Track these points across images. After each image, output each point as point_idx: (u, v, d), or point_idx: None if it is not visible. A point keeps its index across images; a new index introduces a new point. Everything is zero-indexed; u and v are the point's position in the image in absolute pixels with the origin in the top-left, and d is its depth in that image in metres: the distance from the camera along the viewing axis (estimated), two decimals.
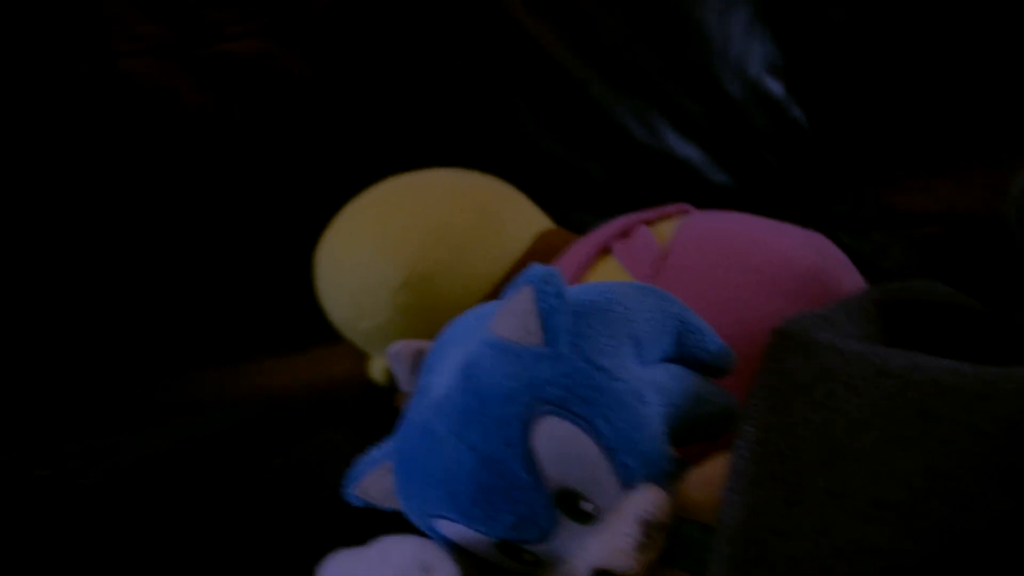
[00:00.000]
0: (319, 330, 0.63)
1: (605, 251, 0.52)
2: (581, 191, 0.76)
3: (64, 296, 0.71)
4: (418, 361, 0.37)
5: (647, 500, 0.33)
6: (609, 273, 0.51)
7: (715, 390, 0.38)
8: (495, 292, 0.54)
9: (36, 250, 0.71)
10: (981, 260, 0.71)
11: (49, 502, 0.46)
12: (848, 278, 0.47)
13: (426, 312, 0.55)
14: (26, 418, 0.61)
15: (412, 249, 0.56)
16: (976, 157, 0.81)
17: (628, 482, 0.33)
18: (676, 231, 0.50)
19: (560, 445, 0.32)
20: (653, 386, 0.35)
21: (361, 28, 0.74)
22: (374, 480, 0.37)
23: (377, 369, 0.62)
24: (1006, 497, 0.28)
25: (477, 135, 0.74)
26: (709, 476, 0.36)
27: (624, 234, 0.52)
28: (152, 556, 0.41)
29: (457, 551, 0.35)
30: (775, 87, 0.80)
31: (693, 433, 0.37)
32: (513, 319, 0.34)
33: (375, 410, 0.38)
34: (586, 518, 0.33)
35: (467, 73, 0.74)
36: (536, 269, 0.34)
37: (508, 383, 0.33)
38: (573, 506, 0.33)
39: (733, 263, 0.46)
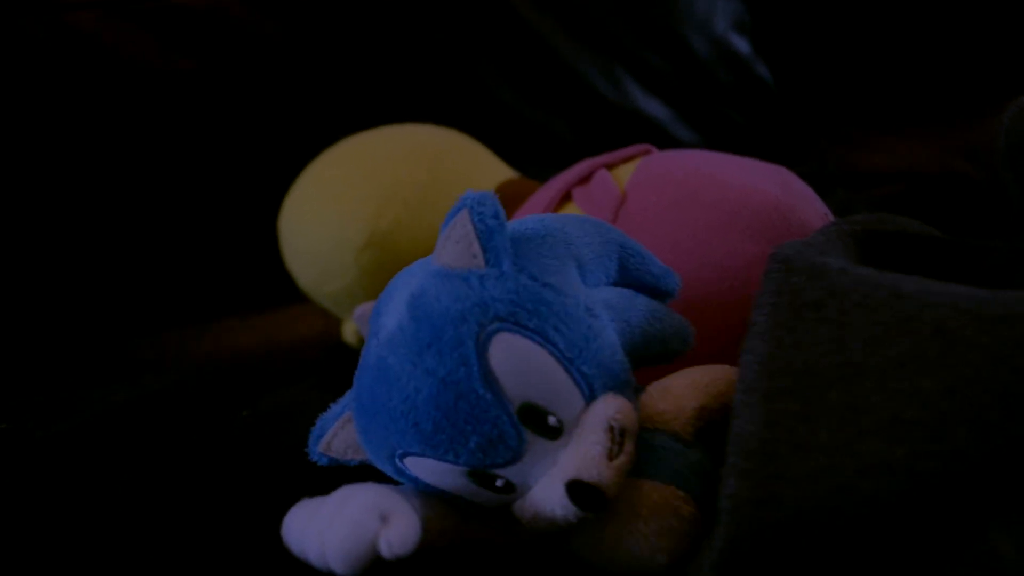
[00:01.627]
0: (288, 290, 0.63)
1: (567, 197, 0.51)
2: (546, 147, 0.76)
3: (28, 257, 0.69)
4: None
5: (612, 407, 0.33)
6: None
7: (665, 310, 0.38)
8: None
9: None
10: (941, 217, 0.72)
11: (3, 455, 0.45)
12: (813, 212, 0.46)
13: (391, 270, 0.55)
14: None
15: (371, 209, 0.56)
16: (935, 117, 0.82)
17: (590, 393, 0.33)
18: (634, 173, 0.49)
19: (516, 359, 0.32)
20: (601, 303, 0.35)
21: None
22: (336, 433, 0.37)
23: (350, 332, 0.61)
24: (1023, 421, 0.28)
25: (440, 92, 0.73)
26: (670, 387, 0.36)
27: (585, 179, 0.51)
28: (108, 509, 0.40)
29: (428, 498, 0.34)
30: (741, 45, 0.79)
31: (648, 353, 0.37)
32: (453, 245, 0.34)
33: (345, 366, 0.38)
34: (553, 433, 0.32)
35: (429, 29, 0.73)
36: (470, 193, 0.34)
37: (457, 305, 0.33)
38: (539, 422, 0.32)
39: (690, 201, 0.46)
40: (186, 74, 0.70)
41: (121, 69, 0.70)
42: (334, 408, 0.38)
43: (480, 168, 0.59)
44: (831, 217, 0.47)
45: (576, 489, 0.31)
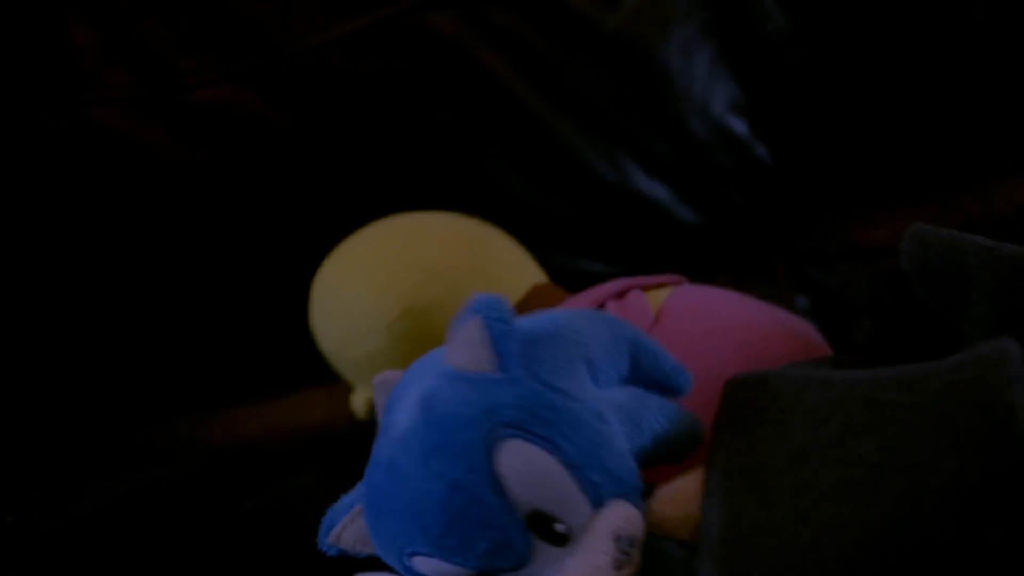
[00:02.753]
0: (294, 376, 0.64)
1: (600, 308, 0.53)
2: (550, 231, 0.77)
3: (39, 346, 0.71)
4: None
5: (619, 515, 0.33)
6: None
7: (676, 409, 0.39)
8: None
9: (8, 299, 0.70)
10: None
11: (6, 549, 0.45)
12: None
13: (419, 344, 0.56)
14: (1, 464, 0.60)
15: (411, 284, 0.57)
16: (935, 190, 0.83)
17: (598, 500, 0.33)
18: (669, 298, 0.52)
19: (525, 466, 0.33)
20: (612, 405, 0.36)
21: (328, 75, 0.75)
22: (346, 526, 0.37)
23: (359, 401, 0.62)
24: (953, 456, 0.31)
25: (446, 178, 0.75)
26: (679, 492, 0.36)
27: (619, 295, 0.54)
28: None
29: None
30: (739, 126, 0.81)
31: (659, 454, 0.37)
32: (464, 348, 0.35)
33: (351, 454, 0.38)
34: (561, 540, 0.33)
35: (434, 117, 0.75)
36: (482, 297, 0.35)
37: (467, 410, 0.33)
38: (546, 528, 0.33)
39: (722, 335, 0.49)
40: (200, 167, 0.72)
41: (137, 162, 0.72)
42: (345, 499, 0.38)
43: (518, 266, 0.61)
44: None
45: None
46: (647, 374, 0.39)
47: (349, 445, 0.60)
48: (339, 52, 0.74)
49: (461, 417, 0.33)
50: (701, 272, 0.64)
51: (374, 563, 0.37)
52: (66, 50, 0.73)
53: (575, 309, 0.41)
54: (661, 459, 0.38)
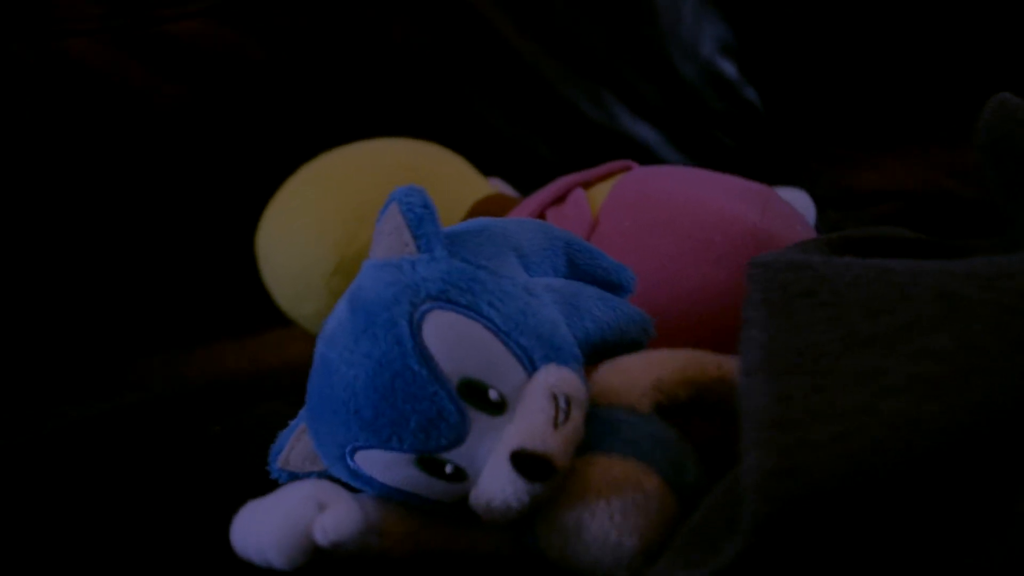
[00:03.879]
0: (274, 312, 0.63)
1: (540, 219, 0.50)
2: (534, 171, 0.76)
3: (15, 282, 0.70)
4: None
5: (552, 375, 0.32)
6: None
7: (619, 300, 0.38)
8: None
9: None
10: (930, 234, 0.72)
11: None
12: (793, 237, 0.46)
13: None
14: None
15: (339, 234, 0.56)
16: (926, 136, 0.82)
17: (531, 365, 0.33)
18: (609, 194, 0.48)
19: (450, 335, 0.32)
20: (543, 286, 0.35)
21: (302, 8, 0.73)
22: (293, 446, 0.37)
23: None
24: None
25: (427, 114, 0.74)
26: (623, 363, 0.35)
27: (560, 199, 0.50)
28: (65, 518, 0.40)
29: (386, 504, 0.34)
30: (728, 68, 0.80)
31: (605, 343, 0.36)
32: (385, 238, 0.35)
33: None
34: (496, 408, 0.32)
35: (413, 51, 0.74)
36: (398, 188, 0.35)
37: (389, 290, 0.33)
38: (480, 396, 0.32)
39: (663, 228, 0.45)
40: (174, 98, 0.71)
41: (110, 94, 0.71)
42: (292, 423, 0.37)
43: (455, 185, 0.59)
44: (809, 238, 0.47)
45: (521, 460, 0.30)
46: (586, 271, 0.38)
47: None
48: None
49: (383, 297, 0.33)
50: None
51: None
52: None
53: (506, 218, 0.39)
54: (609, 350, 0.37)
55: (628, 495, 0.31)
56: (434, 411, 0.31)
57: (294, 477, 0.37)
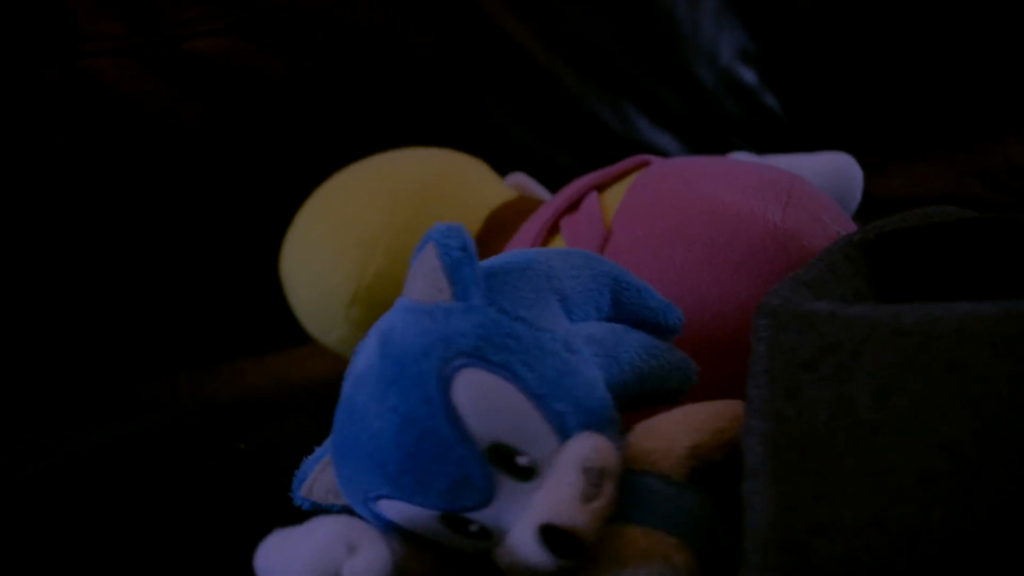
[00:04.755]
0: (299, 330, 0.63)
1: (555, 228, 0.48)
2: (554, 181, 0.76)
3: (41, 301, 0.70)
4: None
5: (587, 445, 0.31)
6: None
7: (663, 346, 0.36)
8: None
9: (5, 252, 0.70)
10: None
11: None
12: (818, 234, 0.43)
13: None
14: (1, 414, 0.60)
15: (353, 263, 0.55)
16: (951, 141, 0.81)
17: (564, 431, 0.31)
18: (624, 198, 0.46)
19: (482, 396, 0.31)
20: (585, 338, 0.34)
21: (324, 23, 0.74)
22: (317, 477, 0.36)
23: None
24: None
25: (445, 126, 0.74)
26: (659, 424, 0.34)
27: (574, 205, 0.48)
28: (85, 543, 0.40)
29: (408, 540, 0.33)
30: (747, 75, 0.80)
31: (644, 393, 0.35)
32: (420, 280, 0.33)
33: None
34: (526, 474, 0.31)
35: (434, 65, 0.74)
36: (438, 226, 0.33)
37: (421, 340, 0.32)
38: (508, 462, 0.31)
39: (679, 236, 0.42)
40: (197, 116, 0.71)
41: (132, 112, 0.71)
42: (317, 451, 0.37)
43: (470, 195, 0.58)
44: (837, 231, 0.44)
45: (549, 534, 0.30)
46: (632, 312, 0.36)
47: None
48: (336, 1, 0.73)
49: (415, 348, 0.31)
50: None
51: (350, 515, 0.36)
52: (60, 1, 0.72)
53: (552, 248, 0.37)
54: (648, 400, 0.35)
55: (654, 569, 0.30)
56: (460, 474, 0.30)
57: (316, 506, 0.36)
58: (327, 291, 0.56)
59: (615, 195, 0.47)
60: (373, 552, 0.31)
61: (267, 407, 0.62)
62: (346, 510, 0.35)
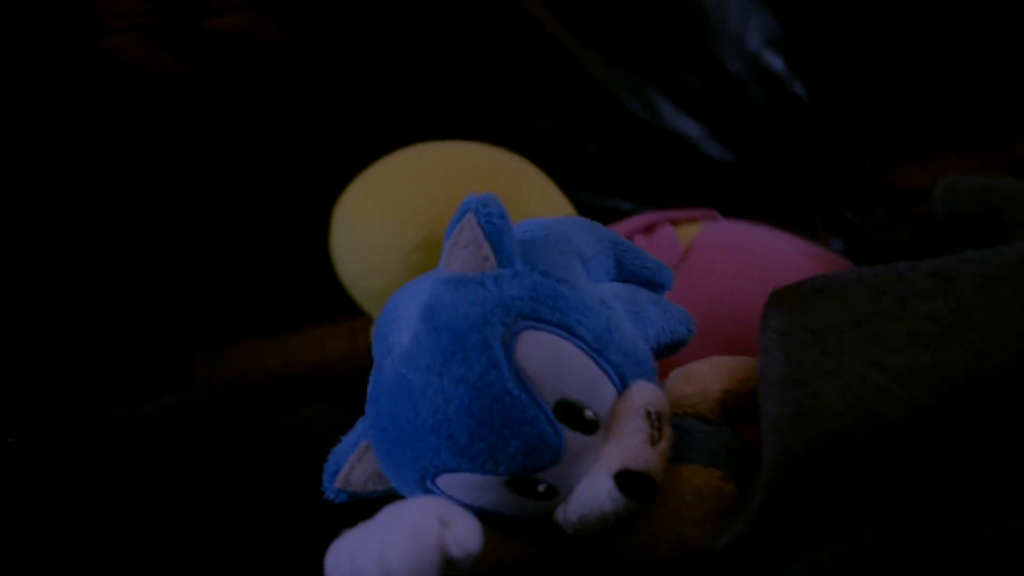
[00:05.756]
0: (314, 309, 0.63)
1: None
2: (579, 168, 0.75)
3: (59, 278, 0.70)
4: None
5: (645, 393, 0.33)
6: None
7: (666, 301, 0.38)
8: None
9: (23, 231, 0.69)
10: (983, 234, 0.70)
11: (5, 468, 0.44)
12: None
13: None
14: (16, 395, 0.60)
15: (432, 212, 0.56)
16: (976, 132, 0.80)
17: (620, 382, 0.33)
18: (699, 233, 0.51)
19: (547, 356, 0.32)
20: (611, 295, 0.36)
21: (346, 6, 0.73)
22: (354, 466, 0.36)
23: None
24: None
25: (471, 112, 0.74)
26: (694, 371, 0.36)
27: (648, 229, 0.53)
28: (102, 524, 0.40)
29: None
30: (775, 62, 0.79)
31: (659, 342, 0.37)
32: (461, 251, 0.34)
33: (366, 386, 0.36)
34: (591, 427, 0.32)
35: (460, 50, 0.73)
36: (471, 196, 0.34)
37: (477, 309, 0.32)
38: (576, 417, 0.32)
39: (751, 274, 0.48)
40: (216, 94, 0.71)
41: (151, 90, 0.71)
42: (347, 440, 0.37)
43: (545, 199, 0.61)
44: None
45: (625, 479, 0.31)
46: (631, 271, 0.39)
47: (367, 379, 0.59)
48: None
49: (471, 317, 0.32)
50: (733, 212, 0.62)
51: (387, 502, 0.35)
52: None
53: (558, 217, 0.40)
54: (659, 350, 0.37)
55: (710, 503, 0.32)
56: (534, 435, 0.31)
57: (352, 496, 0.36)
58: (394, 231, 0.56)
59: (685, 231, 0.53)
60: (469, 521, 0.31)
61: (282, 390, 0.62)
62: (386, 497, 0.35)
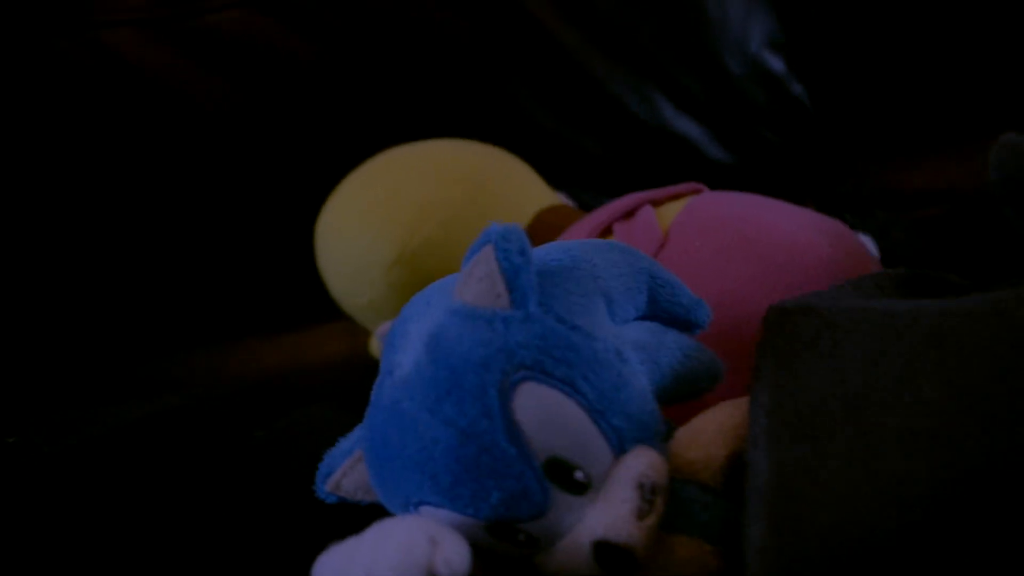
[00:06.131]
0: (317, 308, 0.63)
1: (607, 231, 0.50)
2: (578, 167, 0.75)
3: (57, 277, 0.70)
4: None
5: (642, 462, 0.31)
6: None
7: (695, 345, 0.37)
8: None
9: (22, 229, 0.69)
10: (982, 239, 0.70)
11: (5, 469, 0.44)
12: (861, 270, 0.45)
13: (419, 288, 0.55)
14: (16, 394, 0.60)
15: (403, 225, 0.56)
16: (977, 135, 0.80)
17: (619, 446, 0.32)
18: (680, 213, 0.48)
19: (543, 411, 0.30)
20: (632, 343, 0.34)
21: (346, 3, 0.72)
22: (346, 473, 0.35)
23: (376, 347, 0.61)
24: None
25: (471, 110, 0.73)
26: (699, 433, 0.34)
27: (628, 214, 0.50)
28: (103, 525, 0.40)
29: None
30: (775, 63, 0.79)
31: (677, 392, 0.35)
32: (476, 283, 0.32)
33: (368, 387, 0.36)
34: (580, 488, 0.31)
35: (459, 46, 0.73)
36: (495, 227, 0.32)
37: (480, 350, 0.31)
38: (565, 476, 0.31)
39: (735, 252, 0.45)
40: (215, 90, 0.70)
41: (150, 86, 0.70)
42: (343, 444, 0.36)
43: (520, 191, 0.59)
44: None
45: (604, 551, 0.30)
46: (665, 308, 0.37)
47: (367, 379, 0.59)
48: None
49: (473, 357, 0.31)
50: None
51: (378, 509, 0.35)
52: None
53: (590, 241, 0.38)
54: (678, 397, 0.36)
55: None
56: (519, 489, 0.30)
57: (342, 500, 0.36)
58: (370, 249, 0.56)
59: (669, 211, 0.49)
60: (458, 541, 0.30)
61: (283, 390, 0.62)
62: (376, 506, 0.35)
